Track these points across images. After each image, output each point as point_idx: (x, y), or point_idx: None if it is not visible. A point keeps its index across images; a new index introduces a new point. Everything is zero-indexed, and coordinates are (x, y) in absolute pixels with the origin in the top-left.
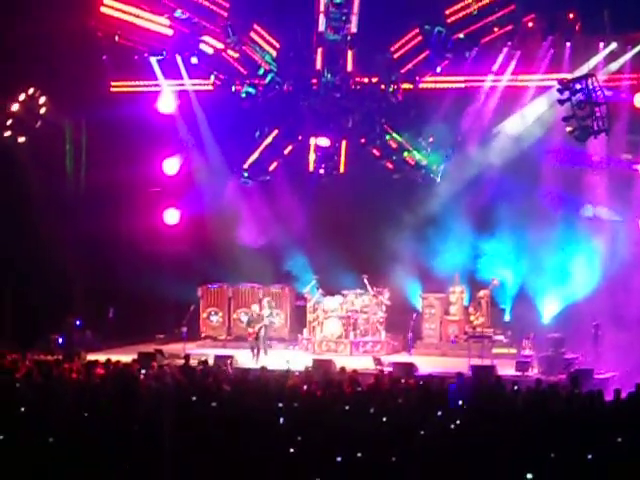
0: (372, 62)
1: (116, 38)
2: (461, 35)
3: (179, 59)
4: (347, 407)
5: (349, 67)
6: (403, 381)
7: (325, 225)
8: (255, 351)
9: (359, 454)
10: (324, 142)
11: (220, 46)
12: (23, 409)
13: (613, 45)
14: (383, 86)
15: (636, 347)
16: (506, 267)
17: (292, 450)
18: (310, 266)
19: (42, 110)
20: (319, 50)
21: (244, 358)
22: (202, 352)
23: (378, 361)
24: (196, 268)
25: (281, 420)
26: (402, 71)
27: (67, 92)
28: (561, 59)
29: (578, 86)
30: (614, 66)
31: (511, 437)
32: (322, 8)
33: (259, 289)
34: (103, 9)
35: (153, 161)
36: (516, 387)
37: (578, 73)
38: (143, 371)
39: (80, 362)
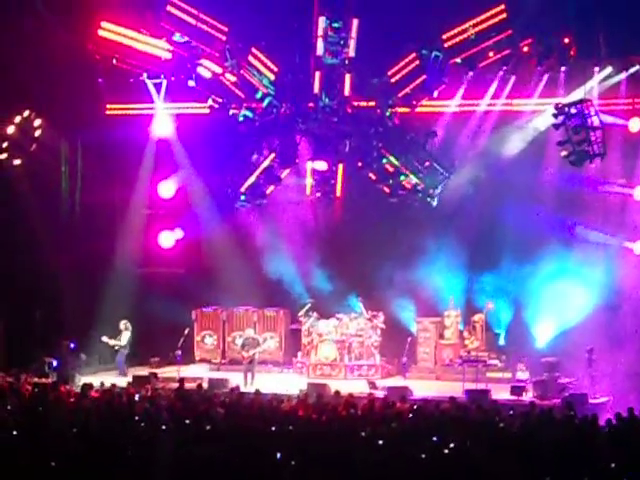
0: (369, 86)
1: (114, 61)
2: (458, 59)
3: (176, 82)
4: (342, 431)
5: (346, 91)
6: (398, 405)
7: (321, 249)
8: (249, 375)
9: (354, 478)
10: (321, 166)
11: (218, 70)
12: (16, 432)
13: (608, 69)
14: (380, 110)
15: (630, 371)
16: (501, 291)
17: (286, 475)
18: (305, 289)
19: (38, 132)
20: (317, 74)
21: (238, 381)
22: (196, 375)
23: (373, 385)
24: (191, 291)
25: (275, 444)
26: (399, 95)
27: (63, 114)
28: (556, 83)
29: (573, 110)
30: (609, 90)
31: (506, 462)
32: (320, 32)
33: (254, 312)
34: (101, 32)
35: (149, 184)
36: (511, 412)
37: (573, 97)
38: (138, 394)
39: (74, 385)
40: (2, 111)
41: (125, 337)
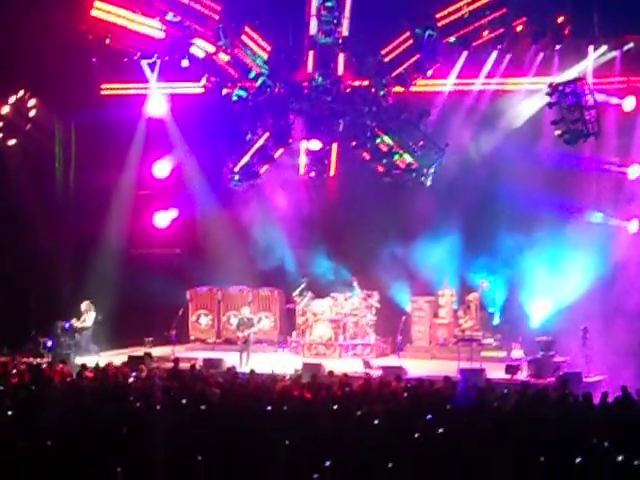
0: (363, 65)
1: (107, 41)
2: (452, 39)
3: (170, 62)
4: (336, 411)
5: (340, 70)
6: (392, 384)
7: (315, 228)
8: (244, 355)
9: (349, 458)
10: (315, 145)
11: (211, 49)
12: (10, 412)
13: (603, 48)
14: (374, 89)
15: (624, 350)
16: (496, 270)
17: (281, 454)
18: (300, 269)
19: (32, 113)
20: (310, 53)
21: (233, 361)
22: (191, 355)
23: (367, 364)
24: (185, 271)
25: (270, 424)
26: (393, 74)
27: (57, 95)
28: (551, 62)
29: (568, 89)
30: (603, 69)
31: (500, 441)
32: (314, 11)
33: (248, 292)
34: (94, 12)
35: (143, 164)
36: (506, 390)
37: (568, 76)
38: (133, 374)
39: (69, 365)
40: None
41: (90, 318)
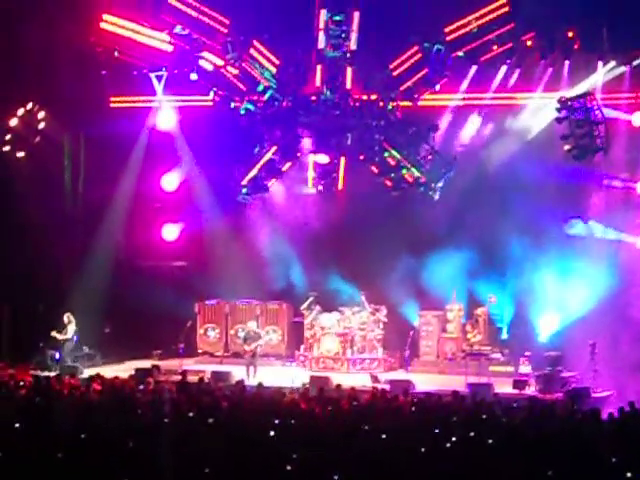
0: (371, 79)
1: (115, 54)
2: (460, 53)
3: (178, 75)
4: (344, 425)
5: (348, 84)
6: (400, 399)
7: (323, 242)
8: (251, 369)
9: (356, 472)
10: (323, 159)
11: (220, 62)
12: (18, 425)
13: (612, 64)
14: (382, 103)
15: (632, 365)
16: (504, 284)
17: (289, 468)
18: (308, 282)
19: (41, 125)
20: (318, 67)
21: (241, 374)
22: (199, 368)
23: (375, 378)
24: (194, 284)
25: (277, 437)
26: (401, 88)
27: (66, 107)
28: (560, 77)
29: (577, 104)
30: (612, 84)
31: (508, 455)
32: (322, 25)
33: (256, 305)
34: (103, 25)
35: (152, 177)
36: (515, 404)
37: (577, 91)
38: (140, 387)
39: (77, 378)
40: (6, 104)
41: (71, 330)
